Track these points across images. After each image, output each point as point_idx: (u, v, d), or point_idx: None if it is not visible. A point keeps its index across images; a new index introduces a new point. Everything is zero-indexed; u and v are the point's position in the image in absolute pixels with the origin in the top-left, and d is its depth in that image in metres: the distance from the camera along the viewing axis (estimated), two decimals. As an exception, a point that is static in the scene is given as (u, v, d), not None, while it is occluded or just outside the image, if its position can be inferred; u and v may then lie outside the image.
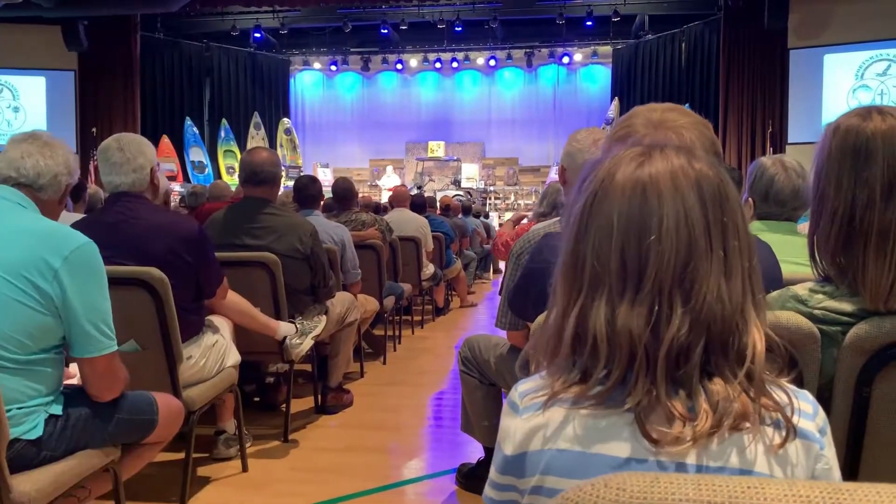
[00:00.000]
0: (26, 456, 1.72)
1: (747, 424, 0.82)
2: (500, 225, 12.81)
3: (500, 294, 2.72)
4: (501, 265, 6.40)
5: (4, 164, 1.88)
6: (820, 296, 1.32)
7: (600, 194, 0.89)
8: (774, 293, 1.36)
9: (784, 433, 0.83)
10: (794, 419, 0.84)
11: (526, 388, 0.92)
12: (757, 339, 0.86)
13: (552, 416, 0.87)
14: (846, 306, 1.29)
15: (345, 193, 5.28)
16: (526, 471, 0.88)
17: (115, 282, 2.29)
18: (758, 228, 2.29)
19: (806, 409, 0.87)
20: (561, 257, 0.92)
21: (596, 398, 0.85)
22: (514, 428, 0.90)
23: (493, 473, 0.94)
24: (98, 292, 1.81)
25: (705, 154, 0.93)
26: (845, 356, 1.27)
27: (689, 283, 0.85)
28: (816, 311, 1.30)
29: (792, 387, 0.88)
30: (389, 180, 16.11)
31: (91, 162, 12.19)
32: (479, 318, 7.32)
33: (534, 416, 0.88)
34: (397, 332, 5.74)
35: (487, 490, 0.96)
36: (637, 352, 0.84)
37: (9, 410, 1.65)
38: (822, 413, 0.88)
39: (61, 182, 1.93)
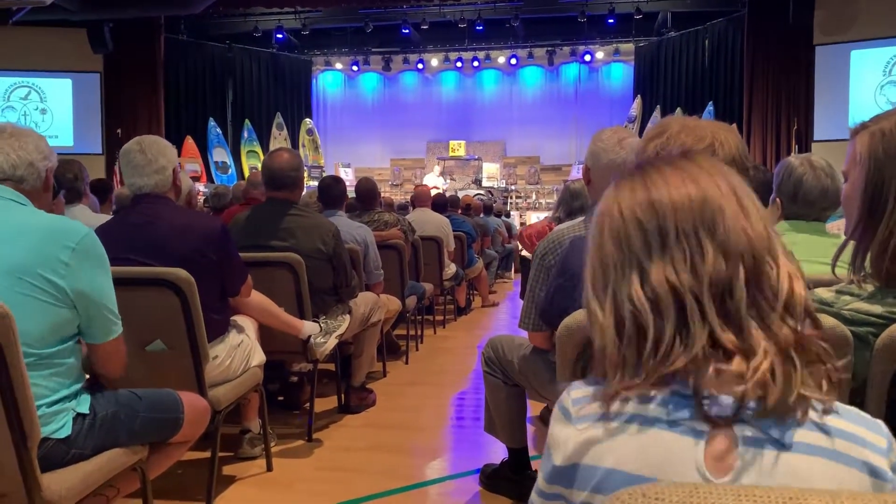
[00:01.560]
0: (56, 455, 1.75)
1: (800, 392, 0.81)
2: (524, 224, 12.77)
3: (520, 296, 2.72)
4: (524, 261, 6.38)
5: None
6: (847, 297, 1.30)
7: (606, 223, 0.92)
8: None
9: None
10: (864, 452, 0.80)
11: (579, 395, 0.89)
12: (796, 283, 0.86)
13: (609, 430, 0.84)
14: (876, 308, 1.27)
15: (368, 193, 5.30)
16: (575, 482, 0.85)
17: (141, 282, 2.34)
18: (784, 229, 2.26)
19: (878, 444, 0.81)
20: (585, 288, 0.94)
21: (652, 379, 0.83)
22: (565, 437, 0.87)
23: (540, 481, 0.92)
24: (105, 278, 1.86)
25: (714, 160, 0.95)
26: (879, 359, 1.24)
27: (710, 220, 0.87)
28: (845, 312, 1.28)
29: (865, 416, 0.84)
30: (434, 180, 15.62)
31: (116, 163, 12.34)
32: (501, 318, 7.31)
33: (589, 428, 0.85)
34: (419, 332, 5.74)
35: (534, 497, 0.93)
36: (684, 298, 0.84)
37: (38, 409, 1.67)
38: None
39: (39, 168, 1.91)
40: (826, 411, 0.82)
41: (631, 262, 0.88)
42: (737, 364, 0.81)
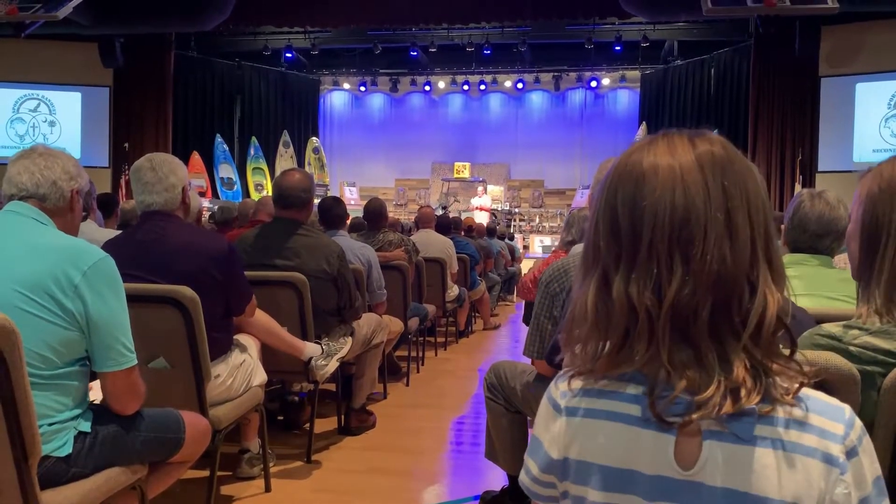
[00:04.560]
0: (56, 473, 1.74)
1: (754, 398, 0.83)
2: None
3: (523, 320, 2.71)
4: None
5: (6, 183, 1.90)
6: (856, 331, 1.29)
7: (609, 183, 0.92)
8: (804, 333, 1.33)
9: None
10: (821, 441, 0.82)
11: (566, 389, 0.93)
12: (770, 304, 0.85)
13: (592, 426, 0.89)
14: (885, 344, 1.26)
15: (376, 214, 5.32)
16: (567, 475, 0.91)
17: (145, 299, 2.34)
18: (790, 261, 2.26)
19: (835, 431, 0.83)
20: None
21: (600, 375, 0.89)
22: (557, 430, 0.92)
23: (532, 469, 0.96)
24: (118, 306, 1.81)
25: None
26: (886, 400, 1.23)
27: (687, 243, 0.85)
28: (852, 348, 1.27)
29: (830, 402, 0.86)
30: (482, 202, 15.50)
31: (123, 177, 12.39)
32: (502, 341, 7.29)
33: (575, 421, 0.91)
34: (420, 354, 5.73)
35: (528, 483, 0.97)
36: (638, 315, 0.85)
37: (39, 427, 1.66)
38: (855, 433, 0.84)
39: (63, 188, 1.91)
40: (787, 393, 0.84)
41: (601, 263, 0.90)
42: (689, 379, 0.84)
